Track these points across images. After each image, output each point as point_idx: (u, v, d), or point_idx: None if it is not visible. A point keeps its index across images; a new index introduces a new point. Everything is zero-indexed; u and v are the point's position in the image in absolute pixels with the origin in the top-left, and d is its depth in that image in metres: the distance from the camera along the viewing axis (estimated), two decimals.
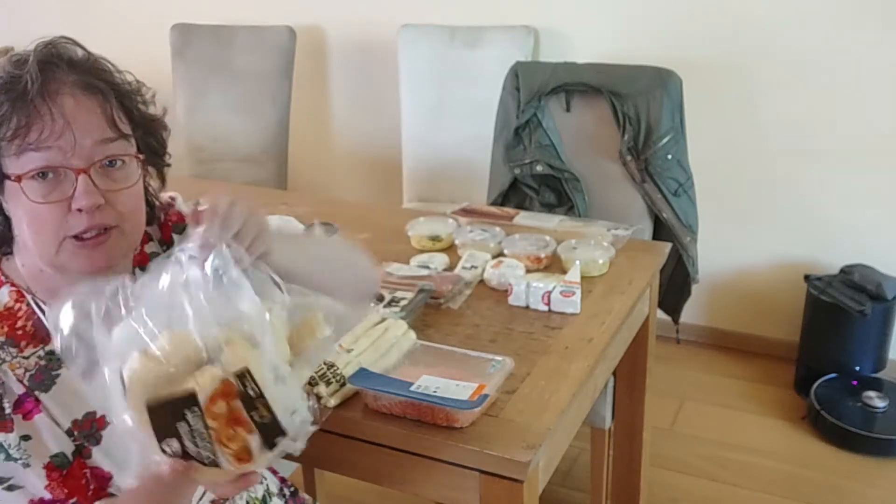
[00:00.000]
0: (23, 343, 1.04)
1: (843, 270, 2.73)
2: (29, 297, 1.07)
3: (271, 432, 0.87)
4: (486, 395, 1.30)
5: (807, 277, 2.76)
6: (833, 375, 2.70)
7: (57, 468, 1.03)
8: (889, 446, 2.49)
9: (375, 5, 3.24)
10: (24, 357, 1.03)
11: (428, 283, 1.69)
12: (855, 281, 2.65)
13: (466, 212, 2.12)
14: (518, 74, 2.47)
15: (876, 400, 2.57)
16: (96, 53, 1.07)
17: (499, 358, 1.41)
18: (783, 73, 2.73)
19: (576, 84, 2.41)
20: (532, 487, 1.29)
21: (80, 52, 1.05)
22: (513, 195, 2.50)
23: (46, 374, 1.04)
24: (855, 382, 2.66)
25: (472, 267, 1.80)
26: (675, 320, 2.58)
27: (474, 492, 1.29)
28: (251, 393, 0.86)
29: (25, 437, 1.02)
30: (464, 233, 1.94)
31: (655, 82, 2.35)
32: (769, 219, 2.90)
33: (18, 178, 0.99)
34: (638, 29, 2.87)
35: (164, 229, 1.22)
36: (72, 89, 1.01)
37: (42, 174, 0.99)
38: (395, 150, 3.22)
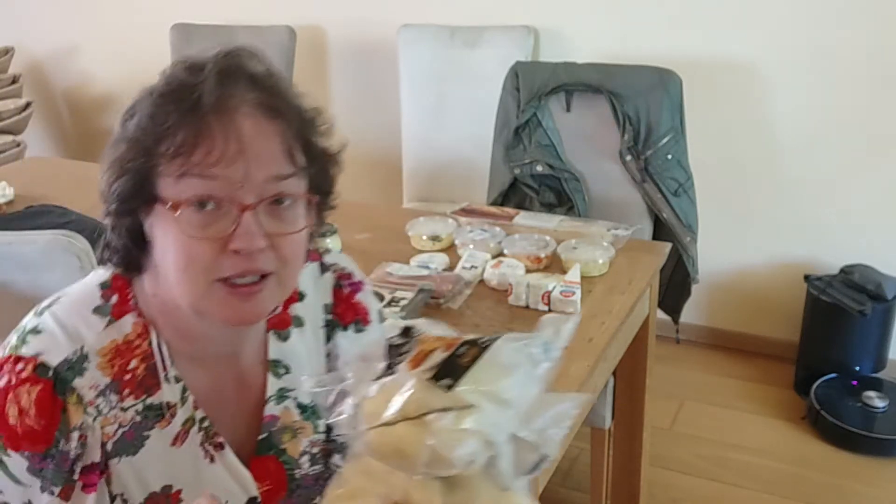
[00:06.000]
0: (126, 391, 0.92)
1: (843, 270, 2.72)
2: (153, 334, 0.94)
3: None
4: None
5: (807, 277, 2.75)
6: (833, 375, 2.69)
7: None
8: (889, 446, 2.49)
9: (375, 5, 3.24)
10: (122, 409, 0.92)
11: (428, 283, 1.69)
12: (855, 281, 2.65)
13: (466, 212, 2.12)
14: (518, 74, 2.47)
15: (876, 400, 2.57)
16: (277, 71, 0.94)
17: None
18: (783, 73, 2.73)
19: (576, 84, 2.41)
20: (532, 487, 1.29)
21: (261, 67, 0.91)
22: (513, 195, 2.50)
23: (138, 433, 0.93)
24: (855, 382, 2.66)
25: (472, 267, 1.80)
26: (675, 320, 2.58)
27: None
28: None
29: None
30: (464, 233, 1.94)
31: (655, 82, 2.35)
32: (769, 219, 2.90)
33: (175, 207, 0.85)
34: (638, 29, 2.86)
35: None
36: (251, 109, 0.87)
37: (201, 203, 0.85)
38: (395, 150, 3.22)
